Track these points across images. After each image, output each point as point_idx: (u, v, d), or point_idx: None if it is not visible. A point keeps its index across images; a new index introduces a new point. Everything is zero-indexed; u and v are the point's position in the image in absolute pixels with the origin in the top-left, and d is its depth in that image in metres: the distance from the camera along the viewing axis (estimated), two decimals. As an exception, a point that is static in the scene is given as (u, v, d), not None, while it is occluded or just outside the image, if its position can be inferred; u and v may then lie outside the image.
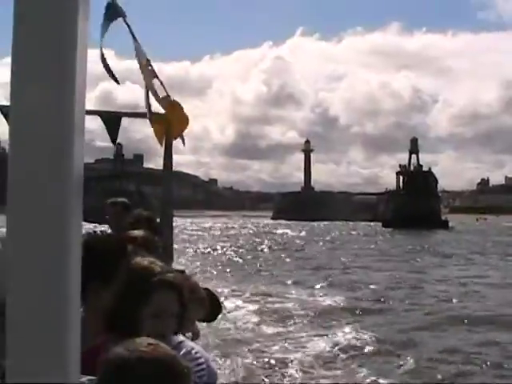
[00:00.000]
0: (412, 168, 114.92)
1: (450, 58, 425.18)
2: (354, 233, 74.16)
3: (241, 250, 38.97)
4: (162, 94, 4.35)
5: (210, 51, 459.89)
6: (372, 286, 20.42)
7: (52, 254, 0.88)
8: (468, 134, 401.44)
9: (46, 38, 0.87)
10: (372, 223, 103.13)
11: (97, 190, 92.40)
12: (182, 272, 2.86)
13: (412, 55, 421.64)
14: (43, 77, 0.87)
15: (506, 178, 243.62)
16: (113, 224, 4.67)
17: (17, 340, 0.91)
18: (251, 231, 73.53)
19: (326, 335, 12.60)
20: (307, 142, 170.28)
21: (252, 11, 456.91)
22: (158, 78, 4.16)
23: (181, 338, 2.29)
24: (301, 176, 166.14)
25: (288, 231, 71.46)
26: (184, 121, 4.82)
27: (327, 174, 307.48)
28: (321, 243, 49.88)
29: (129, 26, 2.67)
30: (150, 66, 3.77)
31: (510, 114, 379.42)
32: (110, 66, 2.45)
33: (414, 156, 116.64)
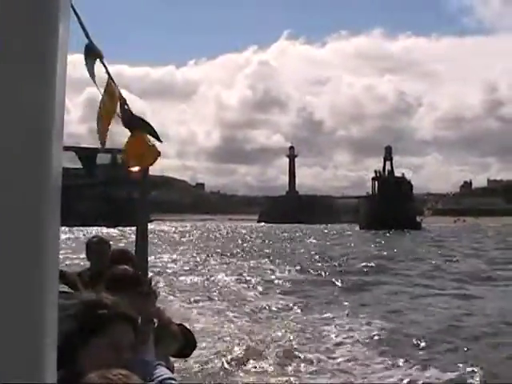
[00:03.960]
0: (386, 174, 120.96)
1: (433, 62, 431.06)
2: (326, 231, 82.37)
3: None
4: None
5: (195, 56, 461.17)
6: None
7: (28, 259, 0.89)
8: (453, 137, 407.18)
9: (26, 42, 0.89)
10: (353, 225, 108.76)
11: (90, 196, 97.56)
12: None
13: (396, 59, 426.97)
14: (23, 78, 0.89)
15: (489, 180, 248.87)
16: (94, 260, 4.73)
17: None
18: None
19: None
20: (291, 147, 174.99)
21: (237, 15, 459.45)
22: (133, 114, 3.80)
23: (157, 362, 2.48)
24: (287, 179, 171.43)
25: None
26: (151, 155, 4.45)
27: (313, 178, 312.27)
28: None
29: (105, 67, 2.68)
30: (126, 105, 3.43)
31: (494, 117, 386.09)
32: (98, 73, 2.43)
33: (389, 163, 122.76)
